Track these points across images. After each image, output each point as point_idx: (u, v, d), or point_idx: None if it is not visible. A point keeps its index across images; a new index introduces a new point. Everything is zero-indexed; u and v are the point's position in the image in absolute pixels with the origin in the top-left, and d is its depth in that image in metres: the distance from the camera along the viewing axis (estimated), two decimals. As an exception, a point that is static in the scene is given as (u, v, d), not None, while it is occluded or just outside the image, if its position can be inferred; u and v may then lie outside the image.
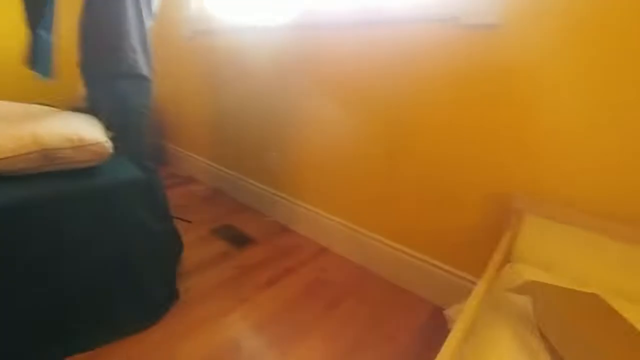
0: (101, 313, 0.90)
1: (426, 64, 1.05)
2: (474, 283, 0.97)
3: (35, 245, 0.75)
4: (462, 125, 1.02)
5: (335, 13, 1.27)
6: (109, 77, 1.02)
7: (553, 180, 0.89)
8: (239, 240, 1.47)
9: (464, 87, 0.99)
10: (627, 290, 0.53)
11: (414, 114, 1.11)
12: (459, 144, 1.03)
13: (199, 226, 1.54)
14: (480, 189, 1.02)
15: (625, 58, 0.76)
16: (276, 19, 1.45)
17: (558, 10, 0.82)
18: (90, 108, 1.08)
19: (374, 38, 1.16)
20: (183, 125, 2.24)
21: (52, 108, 1.09)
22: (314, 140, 1.44)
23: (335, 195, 1.42)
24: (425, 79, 1.06)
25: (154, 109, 1.14)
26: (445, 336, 0.52)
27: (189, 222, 1.54)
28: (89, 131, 0.86)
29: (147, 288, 0.97)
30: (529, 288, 0.49)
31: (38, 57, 1.03)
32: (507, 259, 0.65)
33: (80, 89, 1.14)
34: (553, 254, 0.63)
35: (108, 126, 0.98)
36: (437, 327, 1.05)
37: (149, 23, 1.09)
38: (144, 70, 1.07)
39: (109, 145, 0.87)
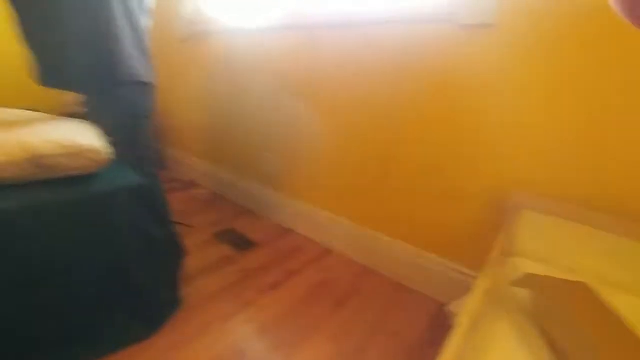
0: (102, 323, 0.88)
1: (425, 63, 1.06)
2: (474, 278, 0.98)
3: (28, 256, 0.72)
4: (460, 120, 1.02)
5: (331, 14, 1.28)
6: (105, 86, 0.96)
7: (548, 176, 0.89)
8: (241, 243, 1.47)
9: (459, 86, 1.00)
10: (623, 281, 0.55)
11: (412, 112, 1.12)
12: (458, 141, 1.04)
13: (201, 231, 1.54)
14: (479, 184, 1.02)
15: (623, 58, 0.76)
16: (272, 21, 1.45)
17: (552, 11, 0.82)
18: (89, 114, 1.04)
19: (370, 39, 1.17)
20: (181, 129, 2.24)
21: (44, 114, 1.04)
22: (313, 140, 1.44)
23: (335, 195, 1.42)
24: (422, 76, 1.07)
25: (153, 113, 1.13)
26: (448, 332, 0.53)
27: (191, 226, 1.54)
28: (84, 137, 0.83)
29: (149, 295, 0.95)
30: (527, 281, 0.50)
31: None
32: (506, 253, 0.66)
33: (69, 95, 1.09)
34: (550, 248, 0.64)
35: (108, 132, 0.93)
36: (440, 323, 1.06)
37: (144, 22, 0.99)
38: (143, 76, 1.00)
39: (106, 151, 0.84)
